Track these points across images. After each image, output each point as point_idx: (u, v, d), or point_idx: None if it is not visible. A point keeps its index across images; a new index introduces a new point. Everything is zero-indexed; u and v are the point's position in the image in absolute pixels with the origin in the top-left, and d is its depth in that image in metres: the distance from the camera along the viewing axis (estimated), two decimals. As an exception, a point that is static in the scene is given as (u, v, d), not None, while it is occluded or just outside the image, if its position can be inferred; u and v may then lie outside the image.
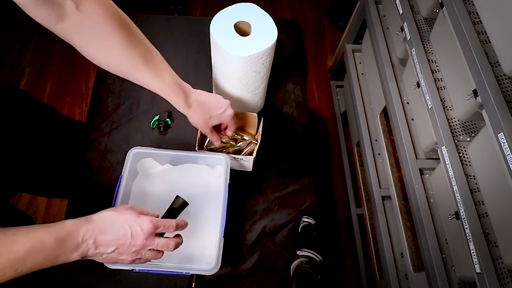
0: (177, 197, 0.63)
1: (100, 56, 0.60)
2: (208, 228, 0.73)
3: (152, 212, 0.59)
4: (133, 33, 0.60)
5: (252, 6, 0.76)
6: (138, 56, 0.61)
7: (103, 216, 0.53)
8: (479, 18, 0.76)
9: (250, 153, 0.81)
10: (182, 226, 0.60)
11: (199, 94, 0.69)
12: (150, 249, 0.56)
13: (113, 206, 0.66)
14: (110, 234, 0.51)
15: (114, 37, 0.57)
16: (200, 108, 0.69)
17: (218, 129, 0.77)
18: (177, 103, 0.67)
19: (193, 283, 0.70)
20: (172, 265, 0.65)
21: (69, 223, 0.49)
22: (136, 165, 0.76)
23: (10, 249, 0.43)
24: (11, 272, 0.43)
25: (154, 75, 0.63)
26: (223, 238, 0.66)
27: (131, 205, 0.58)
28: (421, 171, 0.96)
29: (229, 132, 0.77)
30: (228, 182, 0.72)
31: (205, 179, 0.78)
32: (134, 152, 0.73)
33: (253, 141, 0.83)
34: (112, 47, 0.58)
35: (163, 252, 0.58)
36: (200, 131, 0.77)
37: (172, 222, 0.58)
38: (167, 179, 0.78)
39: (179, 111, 0.68)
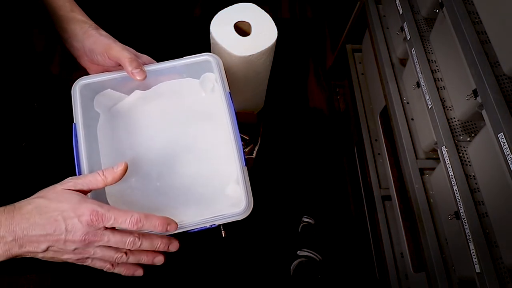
0: None
1: None
2: (220, 160, 0.54)
3: (111, 171, 0.44)
4: None
5: (252, 6, 0.76)
6: None
7: (30, 205, 0.41)
8: (479, 18, 0.76)
9: (250, 153, 0.82)
10: (155, 225, 0.43)
11: None
12: (105, 246, 0.43)
13: (78, 169, 0.50)
14: (36, 228, 0.40)
15: None
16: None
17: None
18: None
19: (222, 231, 0.54)
20: (191, 222, 0.48)
21: None
22: (92, 104, 0.55)
23: None
24: None
25: None
26: (245, 167, 0.50)
27: (73, 181, 0.43)
28: (421, 171, 0.96)
29: None
30: (228, 90, 0.53)
31: (195, 97, 0.58)
32: (81, 85, 0.53)
33: (253, 141, 0.84)
34: None
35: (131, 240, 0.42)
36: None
37: (132, 215, 0.41)
38: (143, 112, 0.57)
39: None
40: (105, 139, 0.55)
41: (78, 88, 0.53)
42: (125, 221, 0.41)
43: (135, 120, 0.57)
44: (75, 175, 0.51)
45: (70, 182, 0.43)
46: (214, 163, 0.55)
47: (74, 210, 0.40)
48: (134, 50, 0.58)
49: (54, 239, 0.40)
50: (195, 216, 0.49)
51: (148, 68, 0.54)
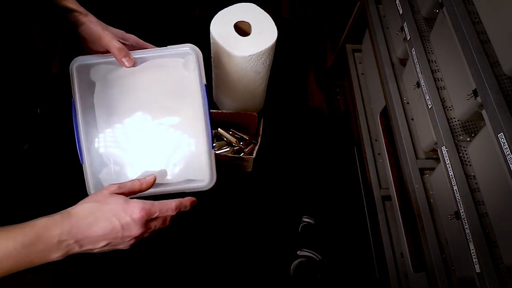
0: None
1: None
2: (192, 136, 0.62)
3: (146, 180, 0.55)
4: None
5: (252, 6, 0.76)
6: None
7: (84, 210, 0.47)
8: (479, 18, 0.76)
9: (250, 153, 0.82)
10: (186, 206, 0.55)
11: None
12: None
13: (77, 140, 0.58)
14: (95, 231, 0.46)
15: None
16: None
17: None
18: None
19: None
20: (163, 189, 0.59)
21: (39, 225, 0.43)
22: (88, 78, 0.62)
23: None
24: None
25: None
26: (212, 150, 0.60)
27: (117, 185, 0.52)
28: (421, 171, 0.96)
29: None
30: (204, 82, 0.59)
31: (179, 74, 0.63)
32: (78, 65, 0.60)
33: (253, 141, 0.84)
34: None
35: (170, 218, 0.53)
36: None
37: (171, 205, 0.52)
38: (133, 81, 0.63)
39: None
40: (100, 105, 0.62)
41: (75, 67, 0.60)
42: (167, 211, 0.51)
43: (126, 86, 0.63)
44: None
45: (114, 186, 0.51)
46: (189, 135, 0.62)
47: (124, 210, 0.48)
48: (122, 32, 0.64)
49: (112, 237, 0.47)
50: (167, 185, 0.60)
51: (136, 55, 0.60)
